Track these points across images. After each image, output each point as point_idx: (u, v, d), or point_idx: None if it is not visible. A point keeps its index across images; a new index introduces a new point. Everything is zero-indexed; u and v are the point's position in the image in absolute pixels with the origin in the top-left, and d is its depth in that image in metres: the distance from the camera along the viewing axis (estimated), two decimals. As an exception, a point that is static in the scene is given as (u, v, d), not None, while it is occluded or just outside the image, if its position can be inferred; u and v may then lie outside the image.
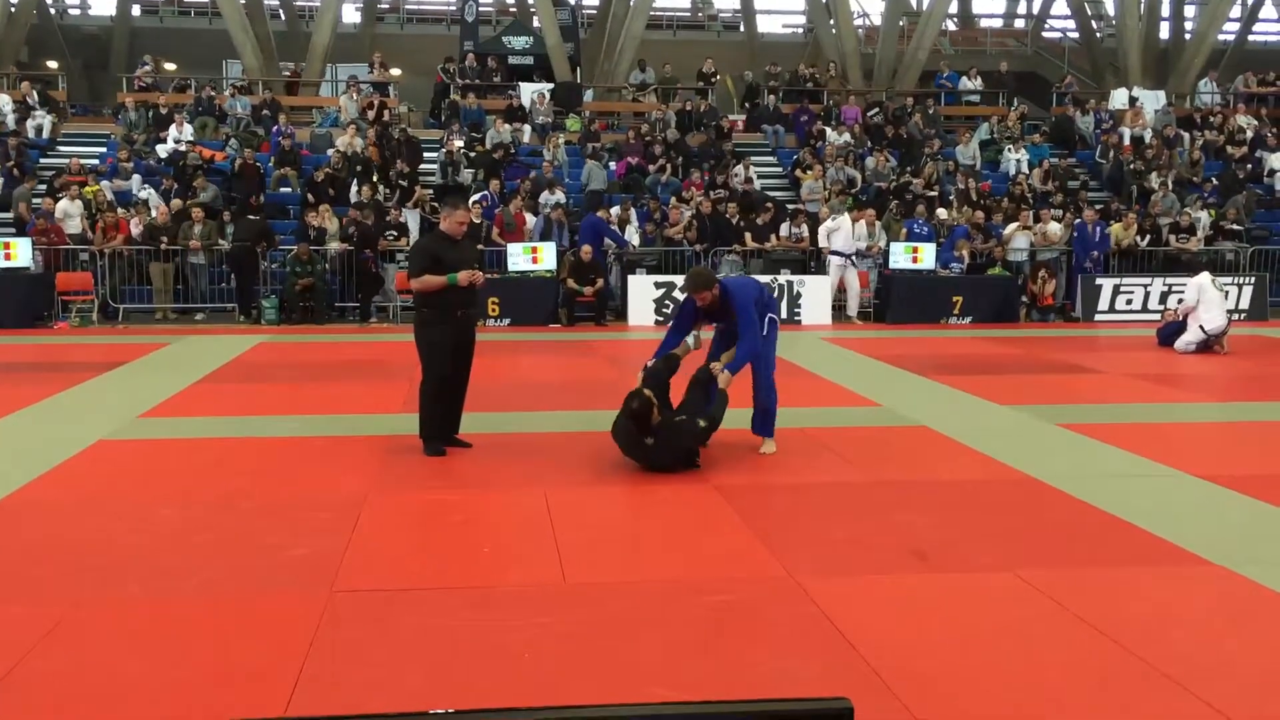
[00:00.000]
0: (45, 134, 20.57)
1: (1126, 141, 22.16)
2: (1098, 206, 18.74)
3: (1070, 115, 23.47)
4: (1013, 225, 17.82)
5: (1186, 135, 22.78)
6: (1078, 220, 17.86)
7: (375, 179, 18.18)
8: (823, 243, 17.10)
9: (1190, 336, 13.19)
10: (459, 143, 19.95)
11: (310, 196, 17.55)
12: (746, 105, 24.88)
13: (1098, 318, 16.98)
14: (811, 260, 17.44)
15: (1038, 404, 9.46)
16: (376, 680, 3.90)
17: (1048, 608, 4.65)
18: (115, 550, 5.36)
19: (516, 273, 16.01)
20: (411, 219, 17.62)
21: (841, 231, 16.94)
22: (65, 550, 5.34)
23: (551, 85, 23.39)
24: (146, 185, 18.02)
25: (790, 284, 16.36)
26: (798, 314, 16.28)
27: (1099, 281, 17.17)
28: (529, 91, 22.73)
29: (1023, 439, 8.10)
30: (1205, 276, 13.55)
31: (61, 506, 6.15)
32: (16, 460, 7.15)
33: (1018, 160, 21.17)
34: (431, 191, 18.78)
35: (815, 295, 16.43)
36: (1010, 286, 17.00)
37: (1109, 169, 21.43)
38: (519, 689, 3.82)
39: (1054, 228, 17.76)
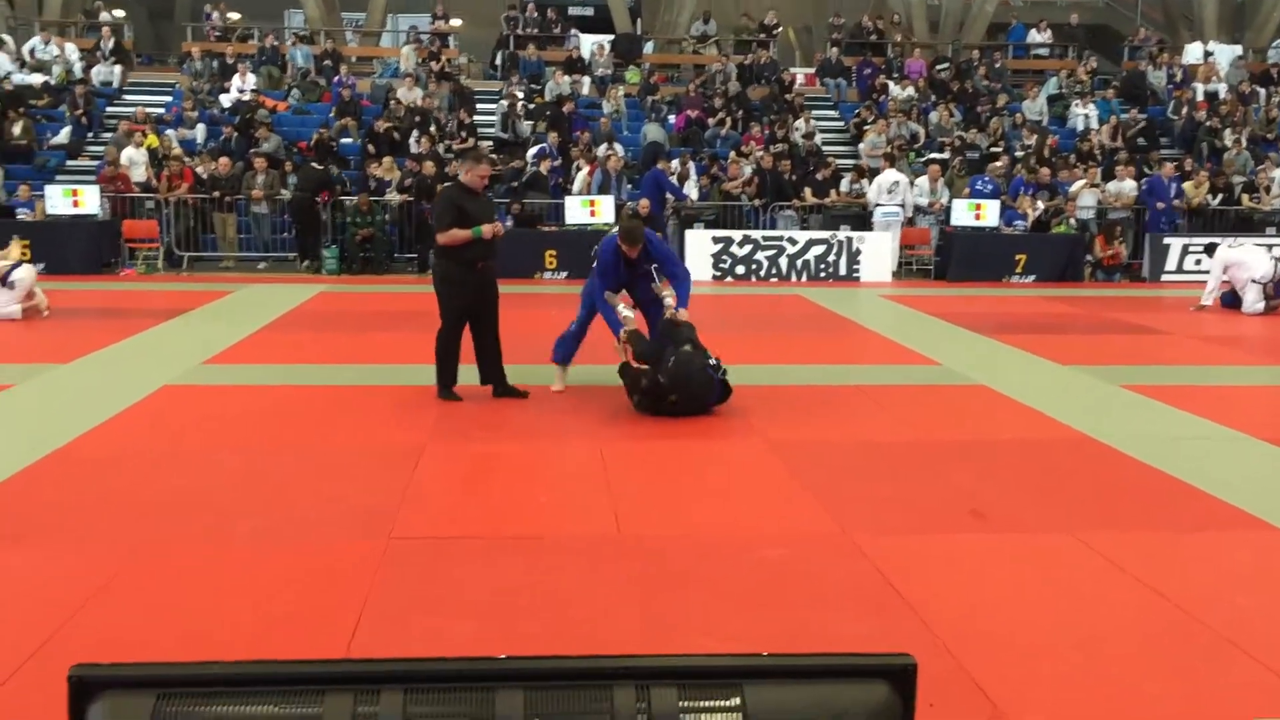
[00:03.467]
0: (115, 83, 20.81)
1: (1200, 97, 21.54)
2: (1170, 164, 18.27)
3: (1142, 70, 22.84)
4: (1079, 182, 17.44)
5: (1262, 91, 22.08)
6: (1151, 174, 17.43)
7: (434, 130, 18.20)
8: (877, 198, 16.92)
9: (1252, 297, 12.88)
10: (519, 94, 19.91)
11: (371, 148, 17.63)
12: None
13: (1165, 278, 16.62)
14: (871, 216, 17.24)
15: (1101, 364, 9.31)
16: (432, 627, 3.95)
17: (1108, 571, 4.59)
18: (180, 494, 5.47)
19: (575, 226, 15.99)
20: (470, 171, 17.63)
21: (901, 187, 16.74)
22: (130, 493, 5.46)
23: (612, 37, 23.20)
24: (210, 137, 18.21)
25: (849, 240, 16.19)
26: (857, 271, 16.12)
27: (1167, 241, 16.80)
28: (589, 43, 22.57)
29: (1085, 400, 7.97)
30: (1221, 249, 13.27)
31: (126, 451, 6.28)
32: (83, 405, 7.30)
33: (1086, 116, 20.68)
34: (491, 143, 18.78)
35: (875, 252, 16.24)
36: (1076, 245, 16.67)
37: (1181, 126, 20.87)
38: (571, 637, 3.85)
39: (1127, 185, 17.34)
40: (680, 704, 1.06)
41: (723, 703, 1.06)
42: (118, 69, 20.91)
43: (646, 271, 7.81)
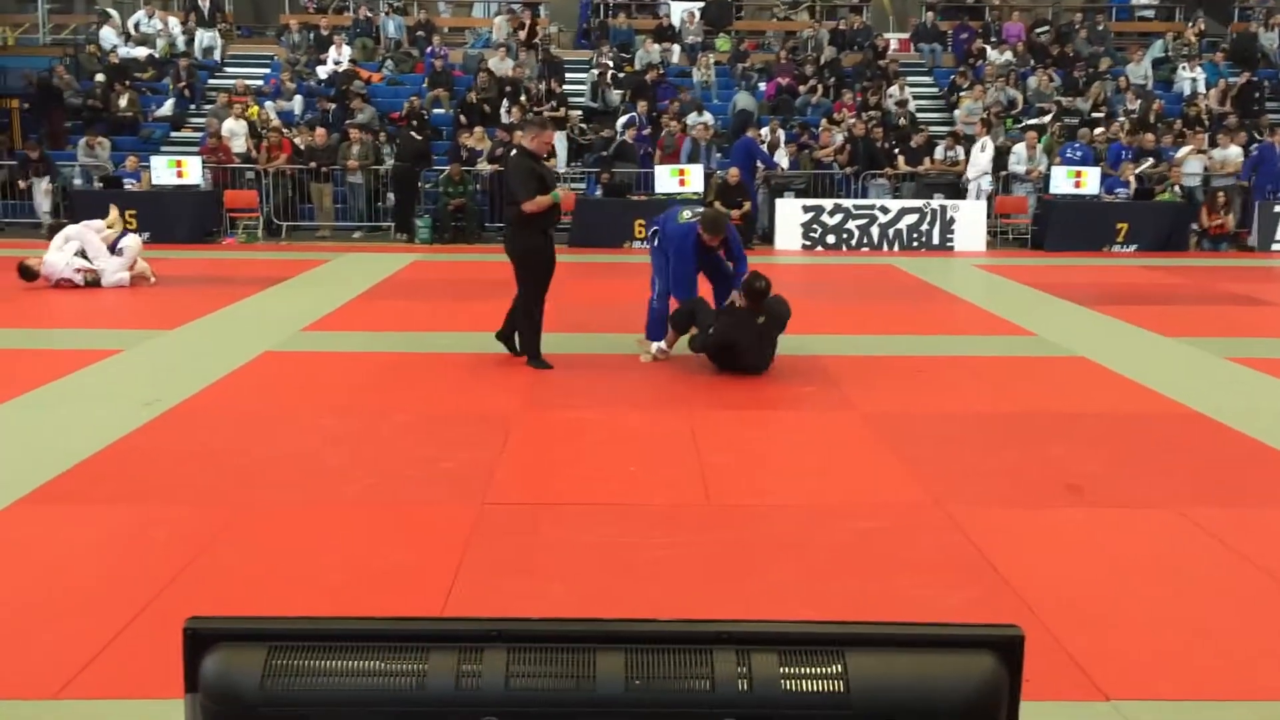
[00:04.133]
0: (216, 55, 21.26)
1: (1315, 59, 20.64)
2: (1279, 130, 17.55)
3: (1253, 31, 21.94)
4: (1185, 148, 16.86)
5: (1383, 51, 21.09)
6: (1259, 143, 16.78)
7: (524, 100, 18.27)
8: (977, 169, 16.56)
9: None
10: (609, 63, 19.87)
11: (463, 118, 17.77)
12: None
13: (1275, 247, 16.01)
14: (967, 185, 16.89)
15: (1206, 336, 9.02)
16: (524, 590, 4.00)
17: (1212, 547, 4.47)
18: (281, 456, 5.62)
19: (664, 195, 15.94)
20: (559, 140, 17.69)
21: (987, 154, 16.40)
22: (234, 456, 5.62)
23: (702, 4, 23.01)
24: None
25: (943, 209, 15.89)
26: (950, 240, 15.82)
27: (1278, 209, 16.17)
28: (679, 10, 22.41)
29: (1189, 372, 7.74)
30: None
31: (231, 414, 6.46)
32: (189, 368, 7.52)
33: (1193, 80, 19.95)
34: (580, 113, 18.79)
35: (969, 220, 15.92)
36: (1181, 213, 16.13)
37: (1295, 88, 20.04)
38: (662, 604, 3.87)
39: (1234, 152, 16.70)
40: (781, 670, 1.05)
41: (824, 669, 1.05)
42: (218, 36, 21.33)
43: (722, 257, 7.88)
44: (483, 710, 1.03)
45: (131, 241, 11.47)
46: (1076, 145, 16.82)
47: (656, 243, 7.97)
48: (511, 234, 7.78)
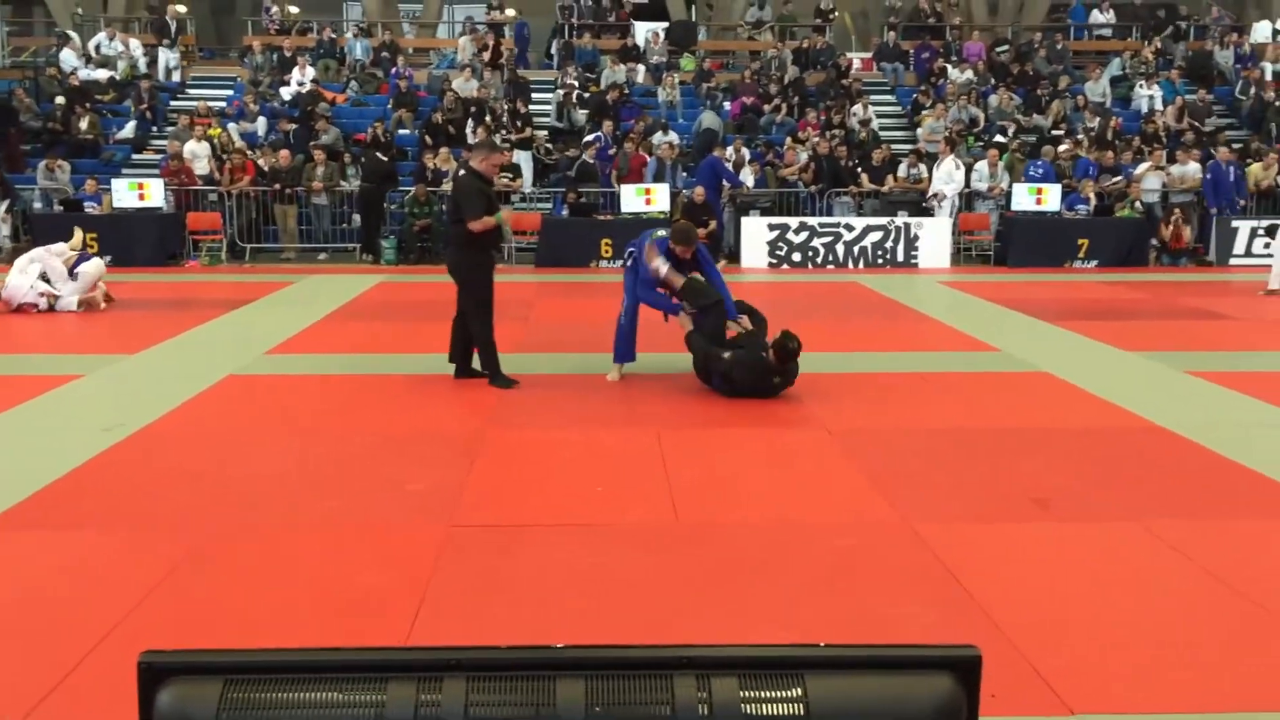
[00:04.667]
0: (177, 76, 21.13)
1: (1269, 77, 21.00)
2: (1236, 146, 17.84)
3: (1209, 50, 22.32)
4: (1144, 165, 17.10)
5: (1335, 70, 21.50)
6: (1211, 161, 17.05)
7: (490, 120, 18.28)
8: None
9: None
10: (574, 83, 19.93)
11: (428, 138, 17.76)
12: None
13: (1233, 261, 16.25)
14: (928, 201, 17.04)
15: (1166, 350, 9.13)
16: (493, 613, 3.98)
17: (1175, 560, 4.51)
18: (244, 481, 5.56)
19: (630, 214, 15.98)
20: (524, 160, 17.70)
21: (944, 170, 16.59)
22: (197, 480, 5.56)
23: (666, 25, 23.14)
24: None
25: (907, 226, 16.02)
26: (915, 257, 15.95)
27: (1234, 224, 16.42)
28: (643, 31, 22.53)
29: (1150, 386, 7.83)
30: None
31: (194, 438, 6.40)
32: (151, 393, 7.45)
33: (1150, 97, 20.25)
34: (546, 133, 18.81)
35: (933, 237, 16.06)
36: (1140, 229, 16.35)
37: (1249, 106, 20.37)
38: (633, 626, 3.86)
39: (1192, 168, 16.95)
40: (741, 694, 1.05)
41: (784, 693, 1.05)
42: (175, 56, 21.23)
43: (693, 269, 7.85)
44: (442, 741, 1.02)
45: (89, 267, 11.33)
46: (1040, 163, 17.03)
47: (630, 263, 7.99)
48: (456, 253, 7.88)
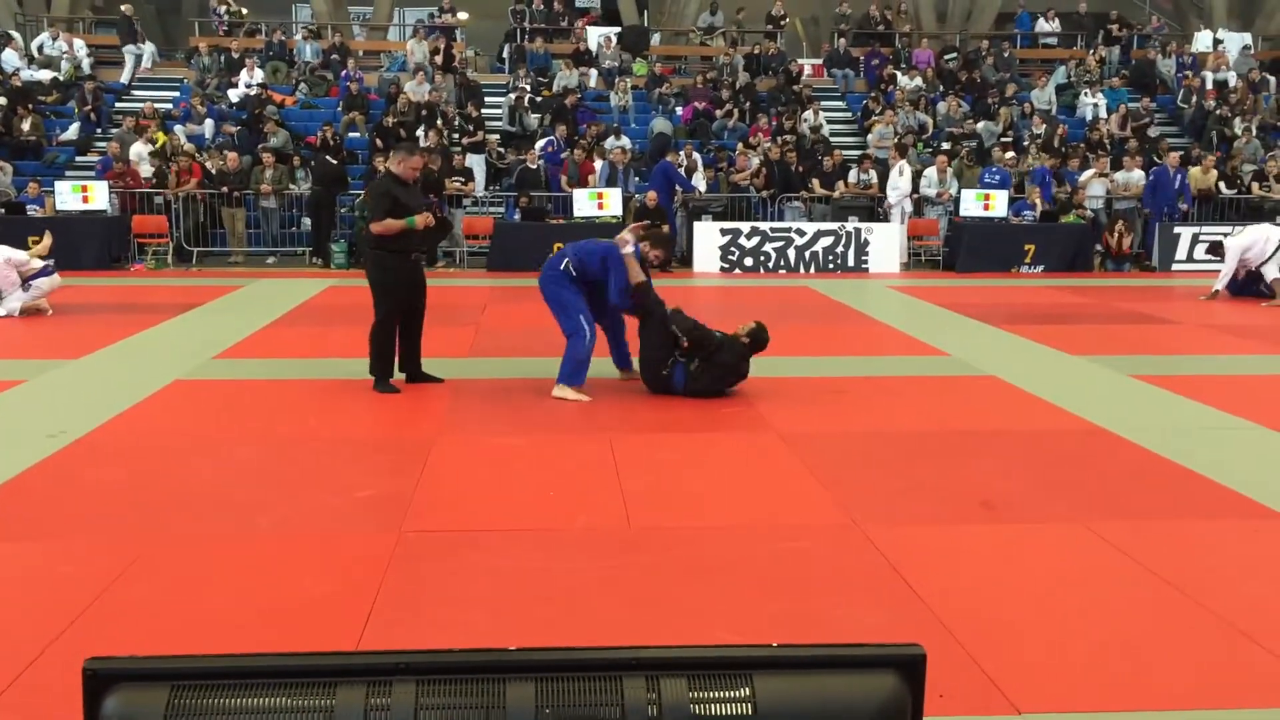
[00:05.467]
0: (123, 77, 20.85)
1: (1209, 86, 21.45)
2: (1177, 153, 18.18)
3: (1151, 58, 22.75)
4: (1089, 172, 17.38)
5: (1272, 79, 22.00)
6: (1156, 166, 17.37)
7: (442, 124, 18.21)
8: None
9: (1274, 270, 12.85)
10: (526, 87, 19.90)
11: (379, 142, 17.64)
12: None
13: (1175, 267, 16.56)
14: (879, 206, 17.21)
15: (1110, 354, 9.29)
16: (445, 619, 3.96)
17: (1117, 560, 4.59)
18: (191, 487, 5.49)
19: (582, 218, 15.98)
20: (477, 164, 17.65)
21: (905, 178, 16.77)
22: (143, 487, 5.49)
23: (618, 29, 23.18)
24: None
25: (858, 231, 16.16)
26: (865, 262, 16.09)
27: (1177, 230, 16.72)
28: (596, 35, 22.55)
29: (1094, 390, 7.96)
30: (1230, 240, 13.25)
31: (139, 444, 6.31)
32: (96, 399, 7.33)
33: (1095, 105, 20.60)
34: (498, 137, 18.77)
35: (883, 243, 16.21)
36: (1085, 235, 16.61)
37: (1190, 114, 20.79)
38: (584, 629, 3.86)
39: (1136, 175, 17.24)
40: (690, 695, 1.06)
41: (732, 693, 1.06)
42: (149, 49, 21.09)
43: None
44: (392, 744, 1.02)
45: (45, 284, 11.08)
46: (994, 169, 17.24)
47: (573, 273, 7.61)
48: (368, 256, 7.88)
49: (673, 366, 7.56)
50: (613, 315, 7.92)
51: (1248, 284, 13.24)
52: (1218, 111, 20.19)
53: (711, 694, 1.07)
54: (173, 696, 1.03)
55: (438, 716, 1.05)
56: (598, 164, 17.34)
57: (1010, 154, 18.06)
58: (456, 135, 18.40)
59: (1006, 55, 22.71)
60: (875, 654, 1.11)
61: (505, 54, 22.70)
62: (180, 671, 1.05)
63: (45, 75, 19.86)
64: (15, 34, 21.08)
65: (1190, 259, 16.56)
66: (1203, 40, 23.67)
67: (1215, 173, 17.75)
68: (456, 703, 1.05)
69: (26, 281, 10.88)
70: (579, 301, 7.60)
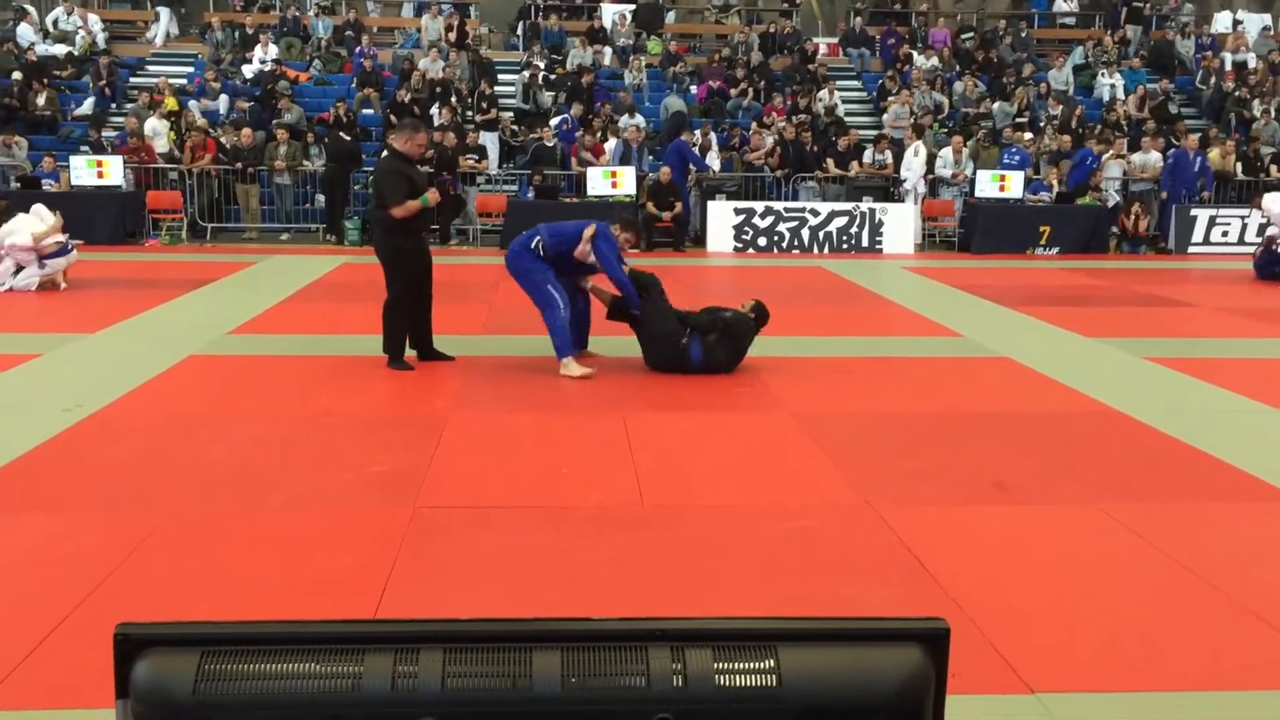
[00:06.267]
0: (163, 34, 21.12)
1: (1228, 67, 21.28)
2: (1195, 135, 18.05)
3: (1170, 39, 22.56)
4: (1106, 153, 17.27)
5: (1293, 61, 21.80)
6: (1174, 149, 17.25)
7: (455, 101, 18.17)
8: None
9: None
10: (540, 65, 19.84)
11: (392, 118, 17.61)
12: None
13: (1192, 250, 16.47)
14: (894, 187, 17.14)
15: (1125, 337, 9.25)
16: (459, 594, 3.99)
17: (1131, 541, 4.59)
18: (206, 463, 5.53)
19: (595, 197, 15.96)
20: (490, 142, 17.62)
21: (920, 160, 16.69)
22: (159, 462, 5.52)
23: (633, 6, 23.08)
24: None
25: (872, 211, 16.10)
26: (879, 242, 16.04)
27: (1194, 213, 16.63)
28: (610, 12, 22.46)
29: (1109, 372, 7.94)
30: (1268, 199, 13.20)
31: (154, 419, 6.34)
32: (111, 374, 7.37)
33: (1112, 86, 20.46)
34: (512, 114, 18.73)
35: (898, 223, 16.15)
36: (1100, 217, 16.53)
37: (1209, 95, 20.63)
38: (596, 605, 3.88)
39: (1153, 157, 17.11)
40: (715, 665, 1.07)
41: (757, 664, 1.07)
42: (166, 14, 21.26)
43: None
44: (420, 711, 1.03)
45: (61, 261, 11.12)
46: (1014, 150, 17.13)
47: (541, 252, 7.53)
48: (380, 237, 7.77)
49: (689, 340, 7.54)
50: (576, 294, 7.88)
51: (1271, 263, 13.14)
52: (1237, 93, 20.03)
53: (736, 665, 1.07)
54: (203, 661, 1.04)
55: (464, 684, 1.05)
56: (610, 143, 17.30)
57: (1028, 135, 17.95)
58: (470, 112, 18.36)
59: (1024, 35, 22.55)
60: (899, 627, 1.12)
61: (520, 31, 22.61)
62: (210, 637, 1.06)
63: (60, 50, 19.87)
64: (30, 8, 21.07)
65: (1207, 241, 16.47)
66: (1222, 21, 23.47)
67: (1234, 155, 17.62)
68: (483, 671, 1.06)
69: (43, 260, 10.93)
70: (547, 273, 7.58)
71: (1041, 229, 16.22)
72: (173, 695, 1.02)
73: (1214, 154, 17.46)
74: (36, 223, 11.01)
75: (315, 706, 1.02)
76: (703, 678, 1.05)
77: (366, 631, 1.08)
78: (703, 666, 1.05)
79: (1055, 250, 16.13)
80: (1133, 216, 16.49)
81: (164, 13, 21.46)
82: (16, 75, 18.29)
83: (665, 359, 7.64)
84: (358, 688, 1.03)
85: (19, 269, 10.85)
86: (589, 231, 7.51)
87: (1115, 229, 16.65)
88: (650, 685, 1.04)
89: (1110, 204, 16.70)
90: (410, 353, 7.81)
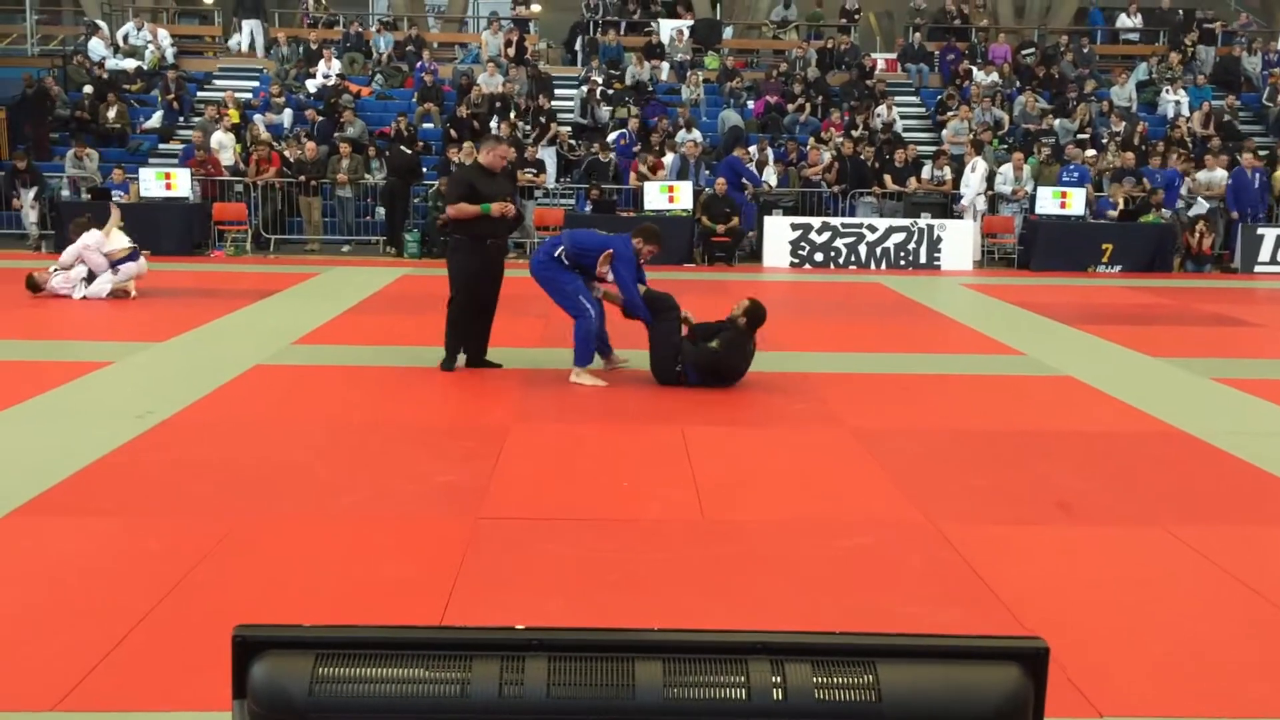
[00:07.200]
0: (257, 40, 21.71)
1: (1296, 84, 20.88)
2: (1263, 153, 17.73)
3: (1236, 56, 22.20)
4: (1203, 173, 16.97)
5: (1363, 77, 21.35)
6: (1236, 167, 16.96)
7: (514, 116, 18.34)
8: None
9: None
10: (598, 80, 19.97)
11: (452, 132, 17.81)
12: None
13: (1258, 269, 16.17)
14: (953, 204, 17.02)
15: (1191, 357, 9.11)
16: (520, 604, 4.02)
17: (1198, 564, 4.52)
18: (272, 470, 5.62)
19: (653, 211, 16.01)
20: (548, 156, 17.75)
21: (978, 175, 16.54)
22: (228, 468, 5.63)
23: (691, 22, 23.15)
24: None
25: (930, 228, 16.00)
26: (938, 259, 15.93)
27: (1260, 231, 16.33)
28: (668, 28, 22.55)
29: (1174, 392, 7.82)
30: None
31: (223, 427, 6.46)
32: (181, 382, 7.52)
33: (1176, 102, 20.17)
34: (569, 129, 18.86)
35: (956, 240, 16.03)
36: (1164, 235, 16.28)
37: (1276, 113, 20.27)
38: (658, 619, 3.89)
39: (1218, 175, 16.81)
40: (814, 679, 1.09)
41: (857, 679, 1.09)
42: (257, 25, 21.81)
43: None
44: (525, 718, 1.06)
45: (133, 268, 11.38)
46: (1073, 166, 16.94)
47: (565, 261, 7.65)
48: (449, 243, 8.20)
49: (684, 369, 7.60)
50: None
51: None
52: (1304, 110, 19.68)
53: (836, 679, 1.09)
54: (318, 664, 1.08)
55: (569, 692, 1.08)
56: (668, 158, 17.34)
57: (1091, 151, 17.74)
58: (528, 127, 18.51)
59: (1086, 51, 22.31)
60: (998, 646, 1.13)
61: (579, 46, 22.76)
62: (325, 640, 1.10)
63: (130, 64, 20.32)
64: (102, 24, 21.60)
65: (1274, 260, 16.17)
66: (1290, 37, 23.05)
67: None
68: (587, 679, 1.09)
69: (114, 265, 11.18)
70: (576, 283, 7.69)
71: (1104, 246, 16.01)
72: (290, 696, 1.06)
73: (1278, 174, 17.13)
74: (96, 235, 11.32)
75: (425, 710, 1.05)
76: (802, 691, 1.06)
77: (473, 639, 1.11)
78: (802, 680, 1.07)
79: (1118, 268, 15.92)
80: (1197, 235, 16.23)
81: (253, 25, 21.97)
82: (88, 89, 18.74)
83: (664, 380, 7.70)
84: (465, 693, 1.06)
85: (91, 276, 11.11)
86: (608, 257, 7.65)
87: (1179, 247, 16.39)
88: (750, 697, 1.06)
89: (1168, 218, 16.45)
90: (461, 359, 8.02)
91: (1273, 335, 10.77)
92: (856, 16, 24.10)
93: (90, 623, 3.76)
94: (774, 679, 1.08)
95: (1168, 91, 20.55)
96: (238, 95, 19.05)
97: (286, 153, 17.04)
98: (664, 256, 15.60)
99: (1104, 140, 18.45)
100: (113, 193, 15.99)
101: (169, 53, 20.98)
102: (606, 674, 1.08)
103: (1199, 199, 16.51)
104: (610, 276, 7.72)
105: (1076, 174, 16.73)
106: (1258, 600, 4.16)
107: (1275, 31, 23.97)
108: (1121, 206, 16.39)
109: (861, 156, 17.31)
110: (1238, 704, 3.41)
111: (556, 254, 7.71)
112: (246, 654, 1.08)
